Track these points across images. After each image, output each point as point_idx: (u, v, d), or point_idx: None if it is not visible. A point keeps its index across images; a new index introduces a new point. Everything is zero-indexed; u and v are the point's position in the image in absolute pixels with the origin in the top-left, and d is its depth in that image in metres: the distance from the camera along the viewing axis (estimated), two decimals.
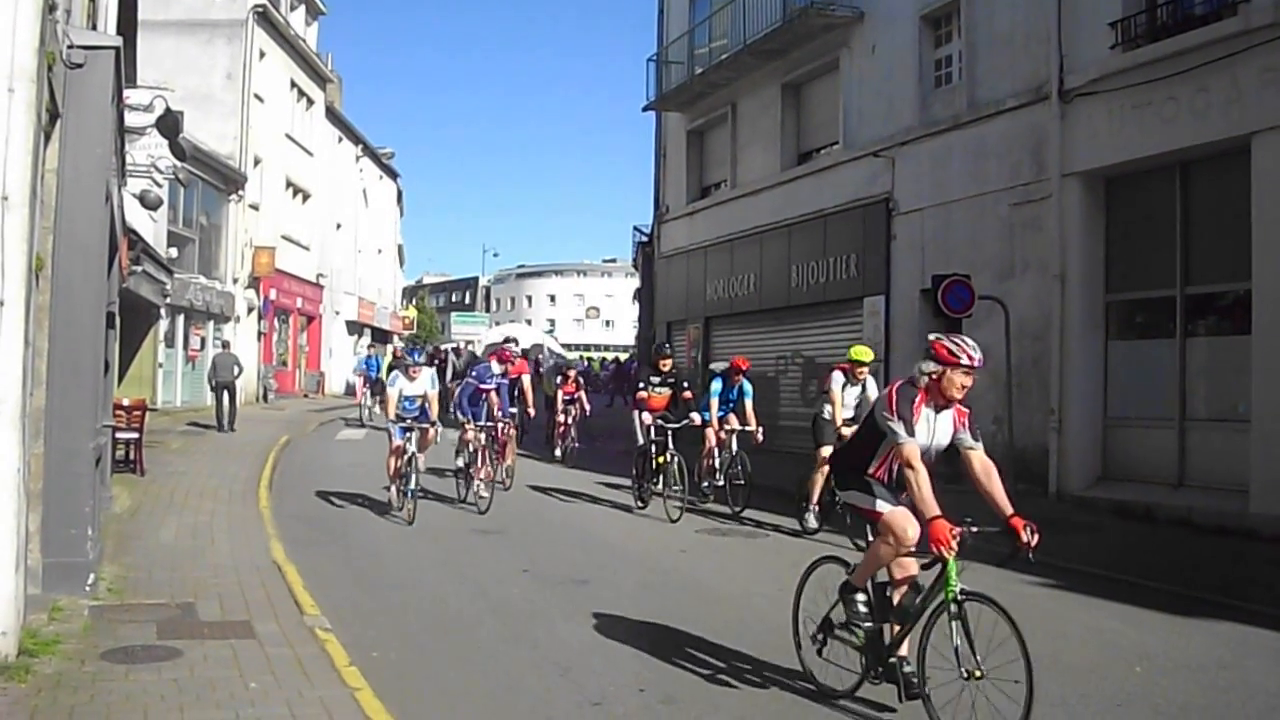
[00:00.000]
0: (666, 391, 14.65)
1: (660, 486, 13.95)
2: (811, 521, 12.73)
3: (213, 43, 31.73)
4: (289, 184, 37.38)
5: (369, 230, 50.28)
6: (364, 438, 23.48)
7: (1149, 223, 15.01)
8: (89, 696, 5.98)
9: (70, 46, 7.87)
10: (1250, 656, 7.61)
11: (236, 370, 23.83)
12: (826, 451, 12.16)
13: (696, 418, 14.31)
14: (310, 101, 39.62)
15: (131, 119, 13.70)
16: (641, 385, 14.67)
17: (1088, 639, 8.18)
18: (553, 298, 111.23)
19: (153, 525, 11.65)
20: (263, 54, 33.67)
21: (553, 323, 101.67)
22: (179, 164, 15.90)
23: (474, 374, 15.16)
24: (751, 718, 6.29)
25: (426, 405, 13.36)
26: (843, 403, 12.46)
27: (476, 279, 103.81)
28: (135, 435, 15.38)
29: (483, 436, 14.14)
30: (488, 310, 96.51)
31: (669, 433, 13.98)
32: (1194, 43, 13.64)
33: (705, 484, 14.57)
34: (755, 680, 6.94)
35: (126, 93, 12.29)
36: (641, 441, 14.29)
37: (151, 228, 22.94)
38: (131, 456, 15.39)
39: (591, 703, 6.44)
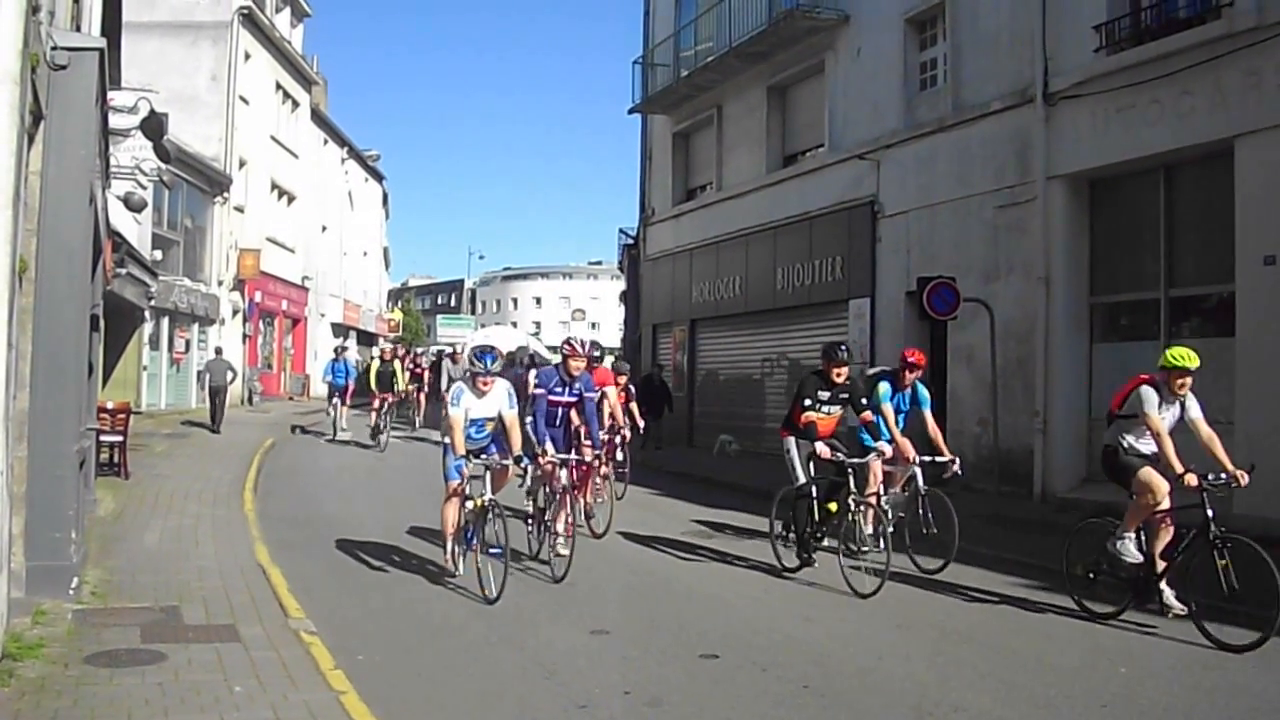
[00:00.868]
0: (838, 411, 10.65)
1: (829, 542, 10.49)
2: (1171, 598, 8.64)
3: (197, 44, 31.64)
4: (274, 186, 37.29)
5: (354, 232, 50.20)
6: (350, 439, 23.38)
7: (1133, 225, 15.09)
8: (72, 700, 5.95)
9: (54, 48, 7.84)
10: (1233, 657, 7.63)
11: (230, 376, 24.77)
12: (1163, 495, 8.77)
13: (886, 449, 10.54)
14: (295, 103, 39.53)
15: (116, 121, 13.65)
16: (807, 401, 10.39)
17: (1073, 640, 8.21)
18: (538, 300, 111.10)
19: (137, 528, 11.61)
20: (248, 56, 33.58)
21: (538, 325, 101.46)
22: (163, 166, 15.86)
23: (538, 382, 11.36)
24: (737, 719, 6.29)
25: (503, 432, 9.90)
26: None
27: (462, 281, 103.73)
28: (119, 438, 15.32)
29: (563, 474, 10.59)
30: (473, 313, 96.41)
31: (851, 471, 10.19)
32: (1178, 46, 13.71)
33: (871, 530, 10.42)
34: (741, 682, 6.94)
35: (111, 94, 12.25)
36: (803, 480, 10.45)
37: (136, 230, 22.85)
38: (116, 459, 15.34)
39: (578, 705, 6.43)
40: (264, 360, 37.73)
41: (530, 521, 10.92)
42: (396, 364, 23.66)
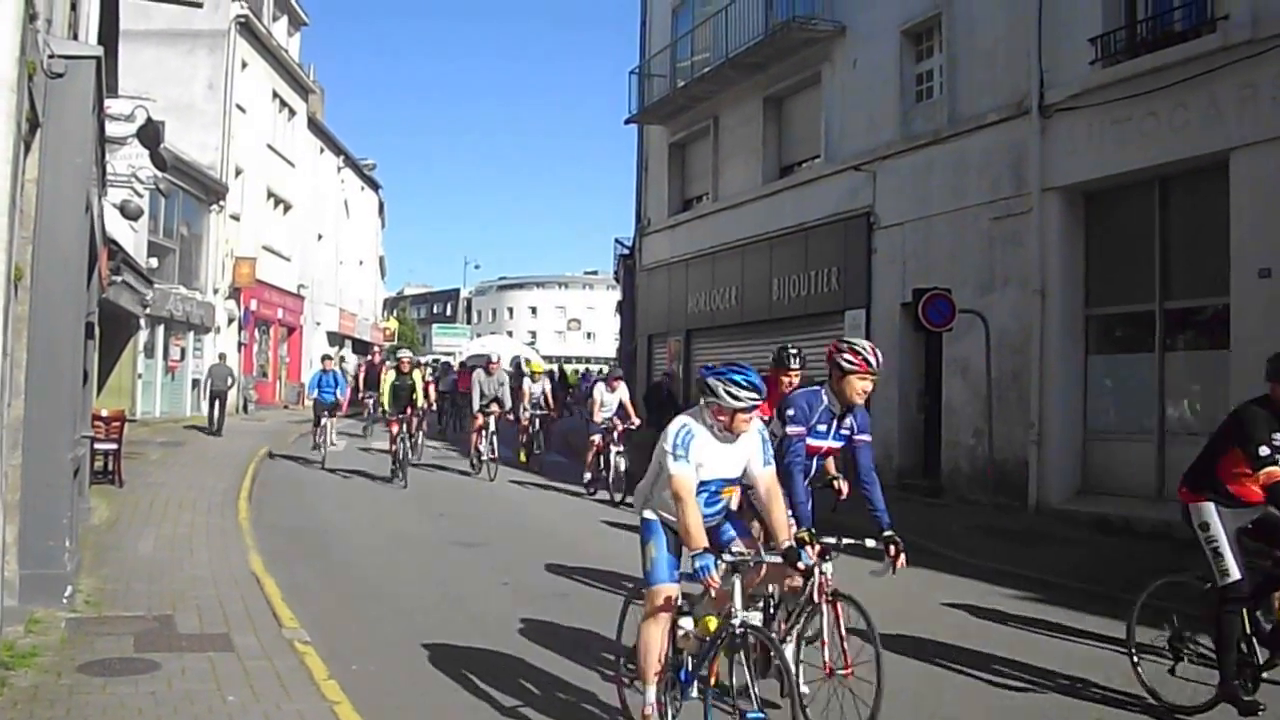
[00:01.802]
0: None
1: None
2: None
3: (194, 53, 31.63)
4: (270, 195, 37.27)
5: (350, 241, 50.19)
6: (345, 448, 22.62)
7: (1128, 237, 15.12)
8: (65, 710, 5.93)
9: (51, 56, 7.85)
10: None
11: (230, 380, 25.97)
12: None
13: None
14: (292, 112, 39.54)
15: (112, 129, 13.65)
16: (1264, 451, 6.26)
17: (1067, 651, 8.20)
18: (534, 310, 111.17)
19: (131, 537, 11.57)
20: (244, 64, 33.60)
21: (534, 335, 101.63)
22: (160, 174, 15.87)
23: (793, 415, 6.77)
24: None
25: (754, 506, 6.26)
26: None
27: (458, 291, 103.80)
28: (114, 446, 15.27)
29: (828, 568, 6.04)
30: (469, 322, 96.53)
31: None
32: (1173, 59, 13.75)
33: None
34: None
35: (107, 102, 12.25)
36: (1236, 574, 6.46)
37: (132, 238, 22.86)
38: (110, 467, 15.28)
39: (572, 716, 6.42)
40: (259, 369, 37.67)
41: (743, 650, 5.55)
42: (416, 376, 19.40)
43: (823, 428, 6.81)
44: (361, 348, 50.80)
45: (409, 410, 18.49)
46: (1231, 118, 13.07)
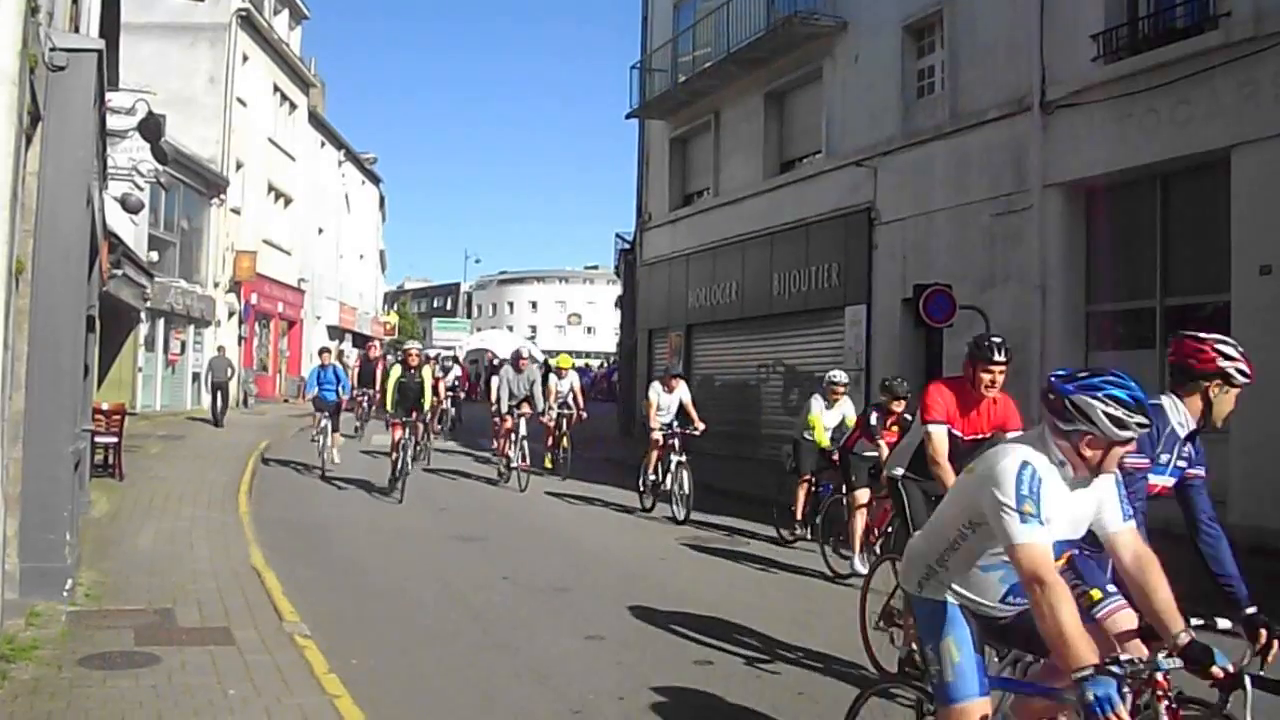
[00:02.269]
0: None
1: None
2: None
3: (196, 46, 31.64)
4: (271, 188, 37.29)
5: (351, 235, 50.20)
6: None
7: (1129, 234, 15.11)
8: (66, 703, 5.93)
9: (52, 49, 7.84)
10: None
11: (230, 372, 26.86)
12: None
13: None
14: (293, 106, 39.54)
15: (113, 122, 13.62)
16: None
17: None
18: (534, 304, 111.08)
19: (131, 530, 11.58)
20: (245, 58, 33.58)
21: (534, 329, 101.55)
22: (161, 167, 15.80)
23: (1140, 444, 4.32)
24: None
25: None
26: None
27: (458, 285, 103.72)
28: (114, 440, 15.27)
29: (1168, 663, 3.74)
30: (469, 316, 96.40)
31: None
32: (1175, 55, 13.75)
33: None
34: (735, 688, 6.94)
35: (108, 96, 12.22)
36: None
37: (132, 231, 22.83)
38: (110, 461, 15.29)
39: (572, 711, 6.42)
40: (259, 362, 37.69)
41: None
42: (425, 372, 17.05)
43: (1165, 458, 4.82)
44: (362, 342, 50.83)
45: (414, 413, 16.23)
46: (1233, 114, 13.07)
